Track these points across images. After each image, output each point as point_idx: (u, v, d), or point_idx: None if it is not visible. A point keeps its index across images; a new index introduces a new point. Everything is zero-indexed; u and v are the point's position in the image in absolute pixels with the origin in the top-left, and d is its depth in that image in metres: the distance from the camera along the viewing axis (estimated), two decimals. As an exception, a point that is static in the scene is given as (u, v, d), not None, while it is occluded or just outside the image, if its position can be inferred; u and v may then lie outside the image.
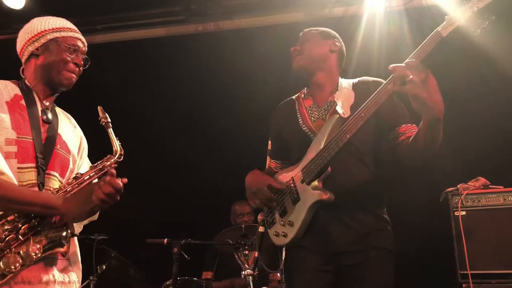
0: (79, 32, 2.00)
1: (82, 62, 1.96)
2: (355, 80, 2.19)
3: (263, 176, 2.13)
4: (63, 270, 1.78)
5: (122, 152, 1.92)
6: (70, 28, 1.97)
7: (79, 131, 2.07)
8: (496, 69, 3.99)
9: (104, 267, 3.34)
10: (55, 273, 1.74)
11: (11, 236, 1.64)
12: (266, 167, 2.35)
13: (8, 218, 1.67)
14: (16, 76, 2.00)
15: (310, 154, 2.02)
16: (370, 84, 2.09)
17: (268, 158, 2.36)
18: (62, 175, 1.88)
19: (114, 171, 1.73)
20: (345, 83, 2.16)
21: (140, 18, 4.40)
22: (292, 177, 2.06)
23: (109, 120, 1.94)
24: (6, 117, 1.76)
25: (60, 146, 1.89)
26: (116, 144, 1.92)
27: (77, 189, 1.80)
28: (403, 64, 1.72)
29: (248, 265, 3.66)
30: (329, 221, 1.94)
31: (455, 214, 3.46)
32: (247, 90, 4.48)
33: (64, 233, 1.71)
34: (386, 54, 4.21)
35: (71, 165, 1.93)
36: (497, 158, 4.01)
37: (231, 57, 4.51)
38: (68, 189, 1.80)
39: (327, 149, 1.92)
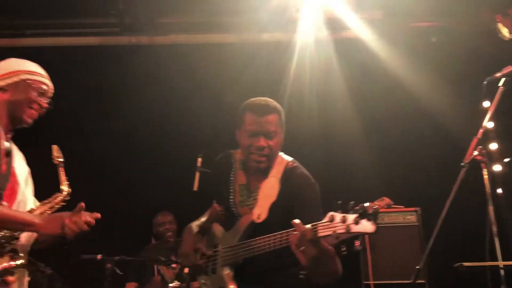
0: (49, 79, 2.21)
1: (46, 105, 2.16)
2: (288, 166, 2.24)
3: (194, 239, 2.34)
4: None
5: (70, 191, 2.15)
6: (41, 74, 2.18)
7: (25, 167, 2.23)
8: (411, 98, 4.56)
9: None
10: None
11: None
12: (213, 205, 2.48)
13: None
14: None
15: (229, 238, 2.21)
16: (297, 182, 2.18)
17: (214, 200, 2.49)
18: (11, 206, 2.03)
19: (83, 204, 1.95)
20: (277, 169, 2.22)
21: (74, 27, 4.39)
22: (217, 248, 2.26)
23: (63, 159, 2.17)
24: None
25: (12, 179, 2.07)
26: (65, 183, 2.15)
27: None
28: (302, 228, 1.76)
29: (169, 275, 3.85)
30: None
31: (362, 230, 3.83)
32: (176, 104, 4.64)
33: (19, 262, 1.91)
34: (317, 81, 4.61)
35: (18, 197, 2.09)
36: (401, 181, 4.48)
37: (161, 71, 4.65)
38: None
39: (238, 249, 2.11)
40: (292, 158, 2.31)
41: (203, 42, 4.75)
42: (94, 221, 1.97)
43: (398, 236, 3.85)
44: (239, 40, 4.65)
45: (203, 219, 2.53)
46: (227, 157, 2.39)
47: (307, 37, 4.61)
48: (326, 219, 1.70)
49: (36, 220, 1.92)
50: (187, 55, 4.65)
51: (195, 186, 3.47)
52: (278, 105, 2.26)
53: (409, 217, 3.89)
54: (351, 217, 1.63)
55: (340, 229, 1.64)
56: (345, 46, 4.72)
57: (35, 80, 2.11)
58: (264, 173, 2.24)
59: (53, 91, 2.21)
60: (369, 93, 4.76)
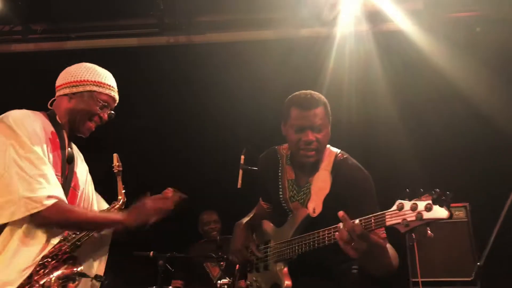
0: (116, 90, 2.19)
1: (106, 118, 2.16)
2: (338, 158, 2.21)
3: (245, 235, 2.40)
4: None
5: (125, 201, 2.20)
6: (110, 86, 2.15)
7: (85, 166, 2.29)
8: (455, 90, 4.42)
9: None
10: None
11: (40, 270, 1.86)
12: (259, 202, 2.51)
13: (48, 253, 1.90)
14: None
15: (282, 234, 2.19)
16: (350, 173, 2.14)
17: (260, 197, 2.53)
18: None
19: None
20: (326, 161, 2.19)
21: (114, 28, 4.47)
22: (269, 244, 2.27)
23: (121, 168, 2.20)
24: (50, 155, 1.96)
25: (74, 184, 2.11)
26: (122, 193, 2.20)
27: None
28: (350, 223, 1.74)
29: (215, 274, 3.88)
30: None
31: (409, 226, 3.73)
32: (215, 102, 4.66)
33: (78, 269, 1.97)
34: (356, 75, 4.50)
35: (78, 201, 2.15)
36: (447, 175, 4.37)
37: (201, 70, 4.67)
38: None
39: (292, 244, 2.10)
40: (340, 150, 2.26)
41: (241, 40, 4.74)
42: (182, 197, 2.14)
43: (446, 233, 3.74)
44: (277, 36, 4.62)
45: (250, 216, 2.55)
46: (273, 153, 2.37)
47: (347, 31, 4.53)
48: (394, 207, 1.66)
49: (125, 217, 2.00)
50: (225, 53, 4.65)
51: (239, 184, 3.49)
52: (323, 97, 2.21)
53: (457, 212, 3.77)
54: (422, 204, 1.58)
55: (411, 217, 1.59)
56: (386, 39, 4.61)
57: (101, 93, 2.09)
58: (313, 167, 2.20)
59: (117, 102, 2.20)
60: (411, 86, 4.64)
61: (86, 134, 2.14)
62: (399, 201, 1.64)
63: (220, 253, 3.44)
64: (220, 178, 4.19)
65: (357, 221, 1.75)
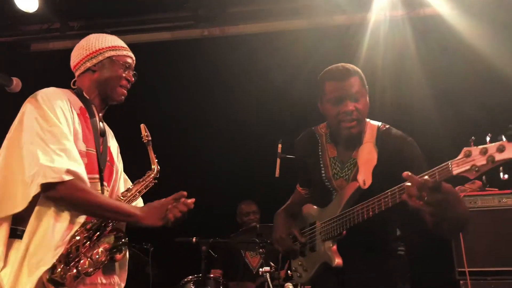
0: (129, 50, 2.17)
1: (133, 79, 2.14)
2: (381, 129, 2.15)
3: (286, 223, 2.35)
4: (107, 272, 1.99)
5: (159, 169, 2.16)
6: (123, 47, 2.14)
7: (116, 143, 2.27)
8: (496, 74, 4.23)
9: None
10: (101, 276, 1.95)
11: (86, 243, 1.85)
12: (297, 189, 2.46)
13: (87, 227, 1.88)
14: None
15: (330, 212, 2.12)
16: (395, 143, 2.07)
17: (298, 184, 2.46)
18: (109, 185, 2.08)
19: (185, 193, 1.99)
20: (369, 134, 2.13)
21: (149, 23, 4.49)
22: (315, 225, 2.21)
23: (150, 138, 2.15)
24: (79, 129, 1.94)
25: (109, 158, 2.09)
26: (155, 161, 2.15)
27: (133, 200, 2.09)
28: (418, 179, 1.62)
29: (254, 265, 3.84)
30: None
31: (453, 214, 3.60)
32: (250, 93, 4.62)
33: (124, 240, 1.94)
34: (391, 62, 4.37)
35: (114, 175, 2.13)
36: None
37: (235, 61, 4.64)
38: (126, 201, 2.05)
39: (342, 218, 2.03)
40: (381, 122, 2.19)
41: (274, 30, 4.68)
42: (192, 206, 1.99)
43: (493, 221, 3.58)
44: (310, 24, 4.54)
45: (289, 203, 2.50)
46: (311, 134, 2.32)
47: (381, 17, 4.40)
48: (461, 155, 1.55)
49: (137, 212, 1.92)
50: (258, 43, 4.60)
51: (277, 173, 3.44)
52: (356, 68, 2.14)
53: (505, 200, 3.61)
54: (493, 146, 1.47)
55: (481, 161, 1.48)
56: (422, 24, 4.46)
57: (119, 56, 2.07)
58: (356, 140, 2.14)
59: (135, 60, 2.16)
60: (449, 72, 4.47)
61: (121, 100, 2.10)
62: (466, 148, 1.54)
63: (267, 240, 3.39)
64: (257, 167, 4.15)
65: (426, 176, 1.64)
